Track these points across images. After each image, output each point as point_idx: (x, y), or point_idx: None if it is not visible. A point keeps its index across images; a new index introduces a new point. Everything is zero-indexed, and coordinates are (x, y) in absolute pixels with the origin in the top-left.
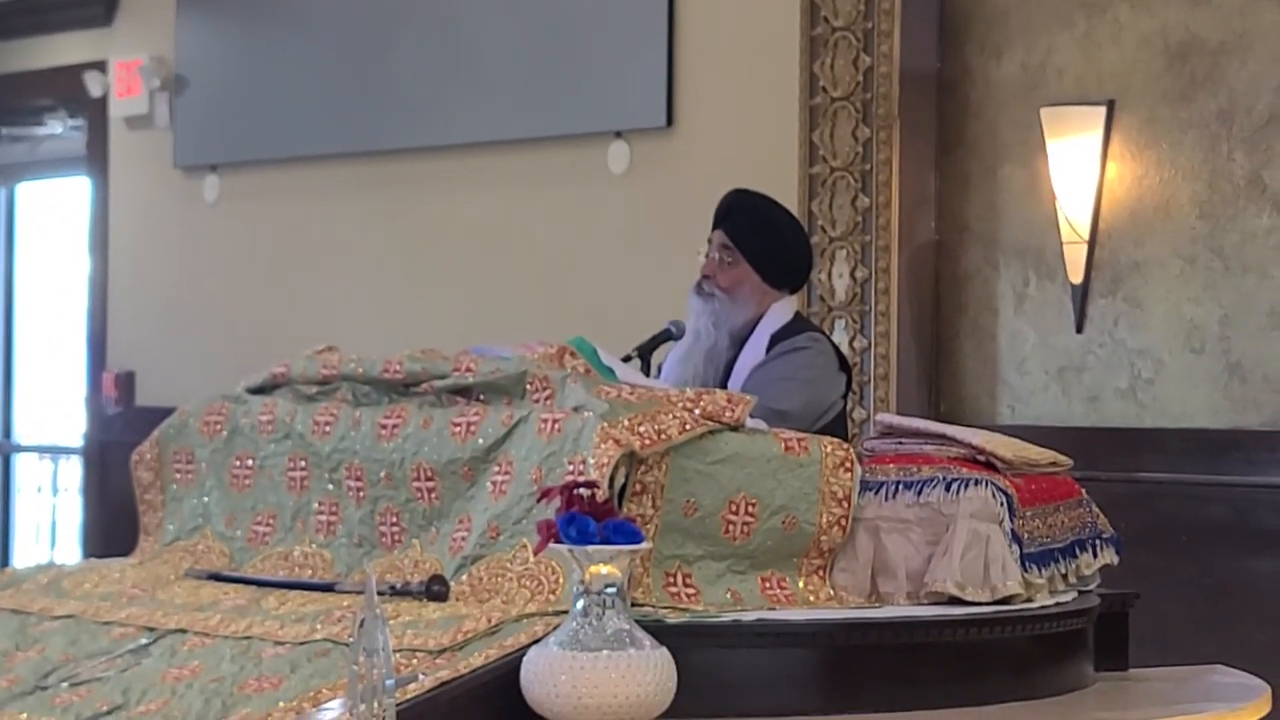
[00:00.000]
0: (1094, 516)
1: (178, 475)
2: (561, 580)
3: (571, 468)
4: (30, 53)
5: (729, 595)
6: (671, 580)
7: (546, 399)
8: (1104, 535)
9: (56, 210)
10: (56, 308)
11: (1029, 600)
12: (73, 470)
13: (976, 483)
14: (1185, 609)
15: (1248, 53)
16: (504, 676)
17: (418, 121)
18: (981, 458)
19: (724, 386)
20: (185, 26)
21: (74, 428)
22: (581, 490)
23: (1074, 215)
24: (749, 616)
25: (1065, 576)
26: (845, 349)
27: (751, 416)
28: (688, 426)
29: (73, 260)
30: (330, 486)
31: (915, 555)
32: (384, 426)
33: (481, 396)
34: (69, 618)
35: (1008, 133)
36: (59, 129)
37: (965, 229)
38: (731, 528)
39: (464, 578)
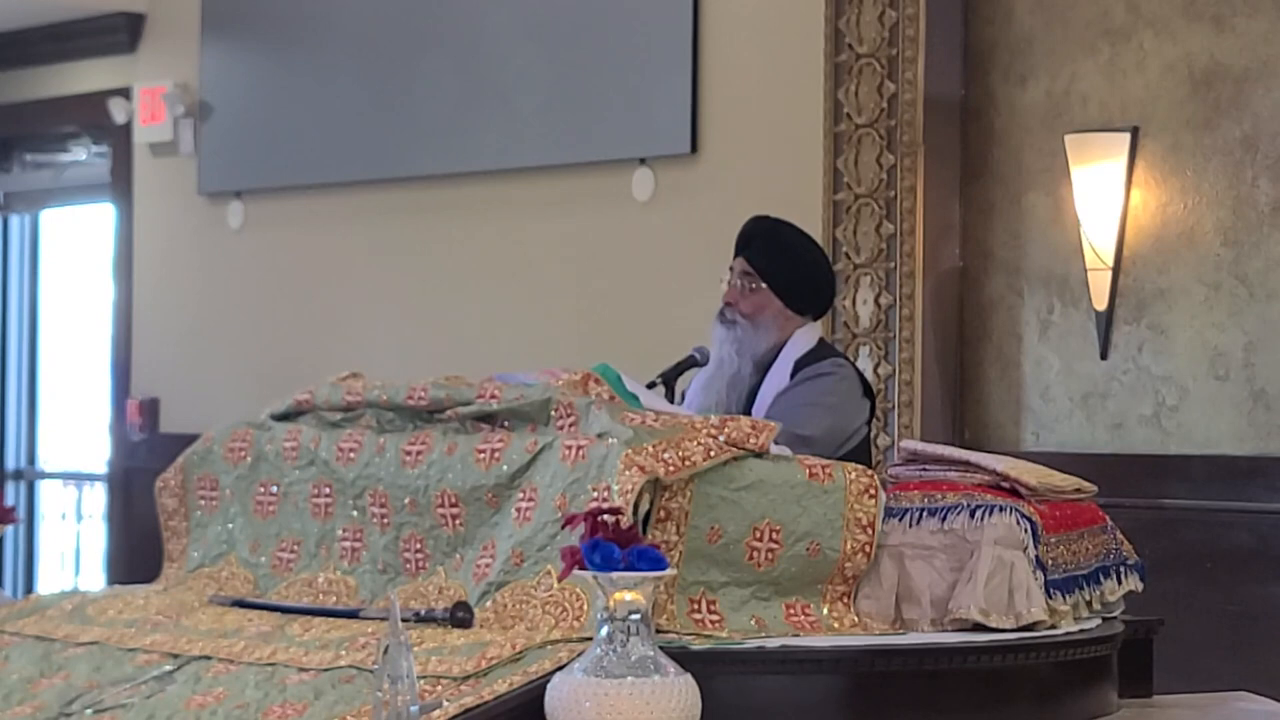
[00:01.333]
0: (1118, 543)
1: (202, 502)
2: (586, 606)
3: (596, 494)
4: (55, 79)
5: (753, 622)
6: (696, 607)
7: (571, 425)
8: (1128, 562)
9: (81, 237)
10: (81, 334)
11: (1053, 627)
12: (97, 497)
13: (1001, 509)
14: (1209, 635)
15: (1272, 79)
16: (528, 703)
17: (442, 148)
18: (1006, 484)
19: (748, 413)
20: (209, 53)
21: (98, 454)
22: (606, 517)
23: (1098, 242)
24: (773, 643)
25: (1089, 603)
26: (869, 375)
27: (776, 443)
28: (712, 453)
29: (97, 287)
30: (355, 513)
31: (939, 582)
32: (408, 453)
33: (506, 423)
34: (93, 644)
35: (1032, 159)
36: (83, 155)
37: (989, 255)
38: (756, 554)
39: (488, 604)
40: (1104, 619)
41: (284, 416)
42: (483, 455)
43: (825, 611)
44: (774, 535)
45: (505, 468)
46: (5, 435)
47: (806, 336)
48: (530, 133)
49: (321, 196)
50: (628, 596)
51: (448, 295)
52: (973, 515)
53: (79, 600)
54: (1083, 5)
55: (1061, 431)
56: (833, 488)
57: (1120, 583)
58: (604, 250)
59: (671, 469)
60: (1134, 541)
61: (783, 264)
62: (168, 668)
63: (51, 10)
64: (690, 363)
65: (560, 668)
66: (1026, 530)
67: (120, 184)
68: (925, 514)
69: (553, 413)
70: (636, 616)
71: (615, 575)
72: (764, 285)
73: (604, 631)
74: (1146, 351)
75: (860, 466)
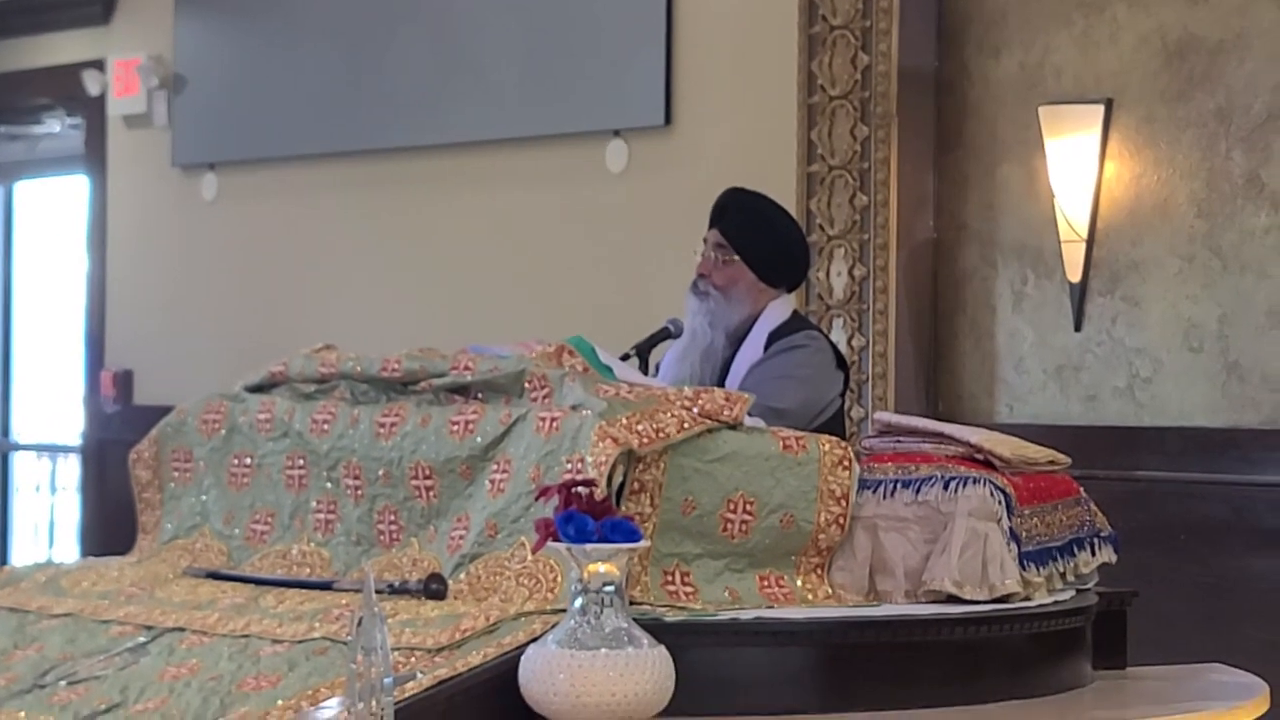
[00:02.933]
0: (1092, 515)
1: (176, 474)
2: (560, 579)
3: (570, 466)
4: (28, 51)
5: (727, 594)
6: (670, 579)
7: (545, 397)
8: (1102, 534)
9: (54, 209)
10: (54, 306)
11: (1027, 599)
12: (71, 469)
13: (975, 481)
14: (1183, 607)
15: (1246, 51)
16: (502, 675)
17: (416, 120)
18: (980, 456)
19: (721, 385)
20: (184, 25)
21: (72, 426)
22: (580, 489)
23: (1072, 214)
24: (747, 615)
25: (1063, 575)
26: (843, 347)
27: (749, 415)
28: (686, 425)
29: (71, 259)
30: (328, 485)
31: (913, 553)
32: (382, 425)
33: (480, 395)
34: (67, 616)
35: (1006, 131)
36: (57, 128)
37: (963, 227)
38: (730, 526)
39: (462, 576)
40: (1078, 591)
41: (258, 388)
42: (456, 427)
43: (799, 583)
44: (748, 507)
45: (479, 439)
46: None
47: (780, 309)
48: (505, 104)
49: (295, 168)
50: (601, 568)
51: (422, 267)
52: (946, 487)
53: (53, 572)
54: None
55: (1035, 403)
56: (806, 459)
57: (1094, 554)
58: (578, 222)
59: (645, 441)
60: (1108, 513)
61: (756, 237)
62: (141, 639)
63: None
64: (664, 335)
65: (534, 639)
66: (1000, 502)
67: (94, 156)
68: (899, 486)
69: (527, 385)
70: (610, 588)
71: (589, 547)
72: (737, 257)
73: (578, 603)
74: (1120, 323)
75: (834, 438)
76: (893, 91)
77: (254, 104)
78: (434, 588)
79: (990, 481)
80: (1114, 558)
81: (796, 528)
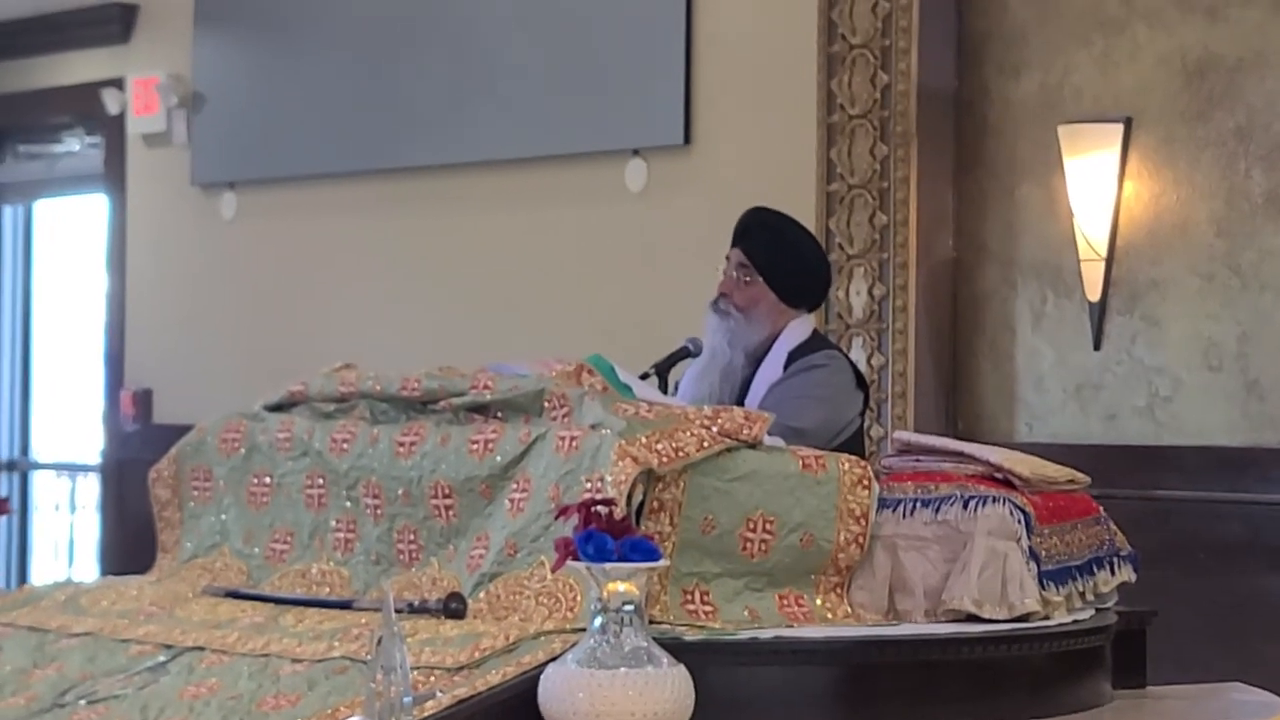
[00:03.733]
0: (1111, 534)
1: (195, 493)
2: (579, 598)
3: (589, 485)
4: (48, 70)
5: (746, 613)
6: (689, 598)
7: (564, 416)
8: (1122, 553)
9: (74, 228)
10: (74, 325)
11: (1046, 618)
12: (90, 488)
13: (994, 500)
14: (1203, 626)
15: (1265, 70)
16: (522, 694)
17: (435, 139)
18: (999, 475)
19: (741, 404)
20: (203, 44)
21: (92, 445)
22: (599, 508)
23: (1091, 233)
24: (766, 634)
25: (1083, 594)
26: (863, 367)
27: (769, 434)
28: (705, 444)
29: (90, 278)
30: (348, 504)
31: (933, 573)
32: (402, 444)
33: (499, 414)
34: (87, 635)
35: (1025, 151)
36: (76, 146)
37: (983, 247)
38: (749, 545)
39: (481, 595)
40: (1097, 610)
41: (277, 407)
42: (476, 446)
43: (819, 602)
44: (767, 526)
45: (499, 458)
46: None
47: (800, 328)
48: (524, 123)
49: (314, 187)
50: (621, 587)
51: (441, 286)
52: (966, 506)
53: (72, 591)
54: None
55: (1055, 422)
56: (826, 479)
57: (1113, 573)
58: (597, 241)
59: (665, 460)
60: (1127, 532)
61: (779, 258)
62: (161, 659)
63: (44, 1)
64: (683, 354)
65: (553, 659)
66: (1020, 521)
67: (113, 175)
68: (919, 505)
69: (546, 404)
70: (630, 607)
71: (609, 566)
72: (759, 278)
73: (597, 622)
74: (1140, 342)
75: (854, 457)
76: (912, 111)
77: (273, 123)
78: (453, 607)
79: (1010, 501)
80: (1133, 577)
81: (816, 547)
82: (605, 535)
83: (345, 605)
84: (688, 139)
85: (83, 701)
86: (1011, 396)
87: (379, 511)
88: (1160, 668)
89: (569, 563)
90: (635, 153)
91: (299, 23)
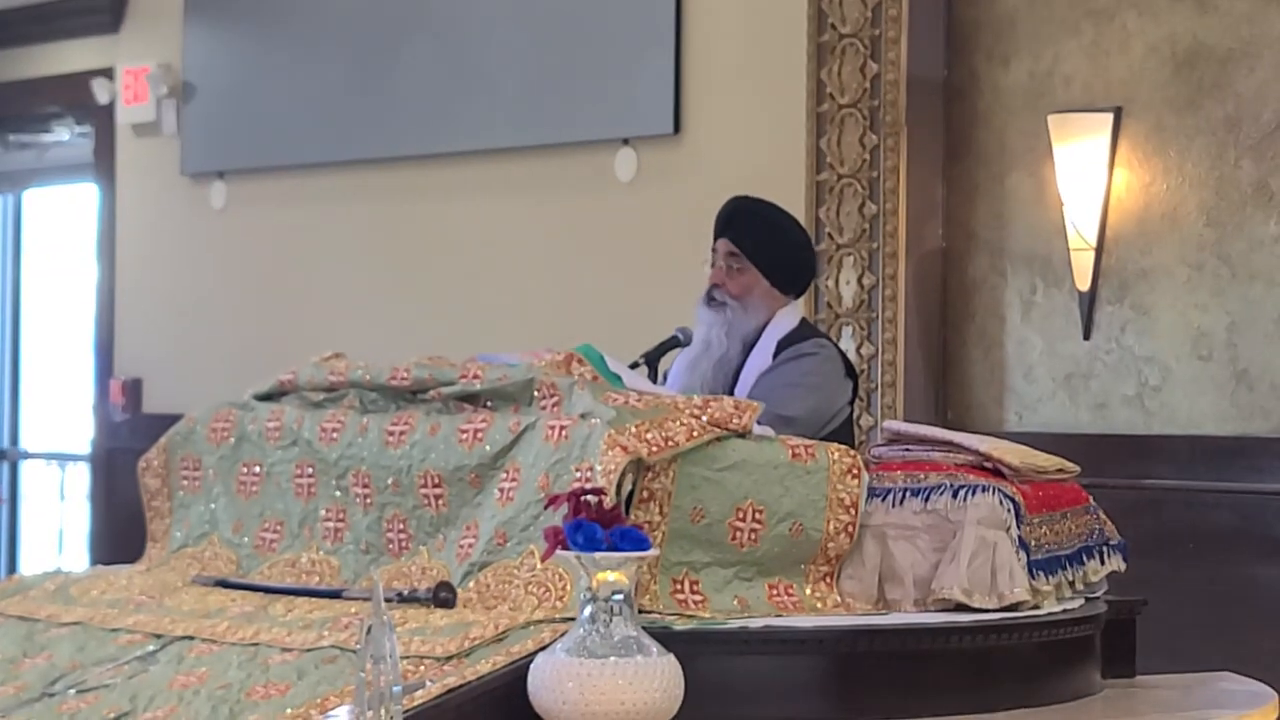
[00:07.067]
0: (1101, 523)
1: (185, 482)
2: (569, 587)
3: (579, 474)
4: (37, 59)
5: (736, 602)
6: (679, 587)
7: (554, 406)
8: (1111, 542)
9: (64, 217)
10: (64, 315)
11: (1036, 607)
12: (80, 477)
13: (984, 489)
14: (1192, 616)
15: (1255, 60)
16: (511, 683)
17: (425, 129)
18: (989, 464)
19: (730, 393)
20: (193, 34)
21: (81, 434)
22: (589, 497)
23: (1081, 222)
24: (756, 623)
25: (1072, 583)
26: (852, 356)
27: (758, 423)
28: (695, 433)
29: (80, 267)
30: (337, 493)
31: (922, 562)
32: (391, 433)
33: (489, 403)
34: (76, 624)
35: (1015, 140)
36: (66, 136)
37: (972, 236)
38: (739, 534)
39: (471, 584)
40: (1087, 599)
41: (267, 397)
42: (465, 435)
43: (808, 592)
44: (757, 515)
45: (488, 448)
46: None
47: (789, 316)
48: (513, 113)
49: (304, 177)
50: (610, 577)
51: (431, 276)
52: (955, 495)
53: (62, 580)
54: None
55: (1044, 412)
56: (815, 468)
57: (1103, 563)
58: (587, 231)
59: (654, 449)
60: (1117, 522)
61: (767, 243)
62: (151, 648)
63: None
64: (673, 343)
65: (543, 648)
66: (1009, 510)
67: (103, 164)
68: (908, 494)
69: (535, 393)
70: (619, 597)
71: (598, 555)
72: (750, 265)
73: (587, 612)
74: (1129, 332)
75: (843, 447)
76: (902, 100)
77: (263, 112)
78: (443, 596)
79: (999, 490)
80: (1123, 566)
81: (805, 536)
82: (595, 524)
83: (335, 594)
84: (677, 128)
85: (72, 691)
86: (1001, 386)
87: (368, 501)
88: (1150, 657)
89: (558, 552)
90: (625, 142)
91: (289, 13)
